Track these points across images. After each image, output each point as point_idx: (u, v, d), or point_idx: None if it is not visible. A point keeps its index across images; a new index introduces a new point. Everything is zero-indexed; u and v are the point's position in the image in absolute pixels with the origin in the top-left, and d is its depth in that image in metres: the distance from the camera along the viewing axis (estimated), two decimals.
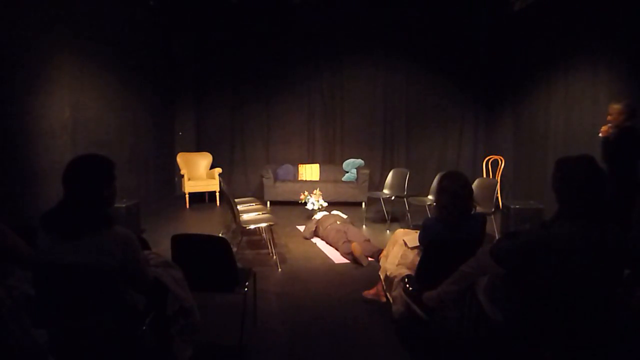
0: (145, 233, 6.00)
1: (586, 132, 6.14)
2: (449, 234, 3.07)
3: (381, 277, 3.69)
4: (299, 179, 9.05)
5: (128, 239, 2.15)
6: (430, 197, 6.64)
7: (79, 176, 2.11)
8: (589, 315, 2.00)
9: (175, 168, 9.01)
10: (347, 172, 9.09)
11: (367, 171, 8.70)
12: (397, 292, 3.27)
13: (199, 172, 8.94)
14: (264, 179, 8.66)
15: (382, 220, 7.30)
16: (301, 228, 6.70)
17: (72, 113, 5.59)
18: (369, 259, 5.20)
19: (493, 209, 5.84)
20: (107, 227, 2.10)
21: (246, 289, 3.08)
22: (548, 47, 7.12)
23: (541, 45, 7.33)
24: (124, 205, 5.71)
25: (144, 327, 2.26)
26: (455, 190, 3.09)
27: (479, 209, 5.19)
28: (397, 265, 3.50)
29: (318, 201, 7.04)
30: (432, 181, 6.54)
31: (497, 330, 2.42)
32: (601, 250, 1.97)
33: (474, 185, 5.89)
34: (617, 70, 5.66)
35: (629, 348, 1.98)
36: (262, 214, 5.66)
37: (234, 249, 4.18)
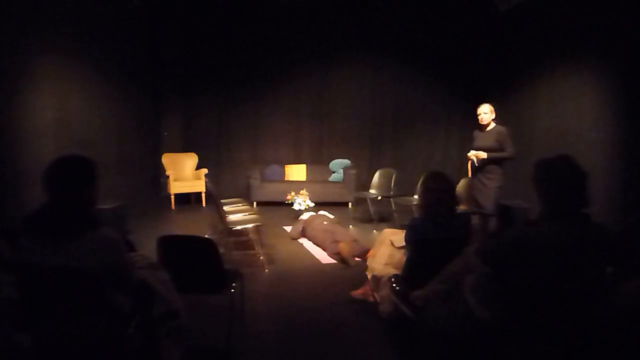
0: (130, 235, 5.93)
1: (571, 132, 6.22)
2: (436, 234, 3.08)
3: (369, 276, 3.71)
4: (286, 179, 9.04)
5: (113, 240, 2.12)
6: (416, 196, 6.66)
7: (61, 177, 2.08)
8: (573, 312, 2.03)
9: (160, 169, 8.93)
10: (334, 172, 9.10)
11: (354, 171, 8.72)
12: (385, 291, 3.28)
13: (184, 173, 8.88)
14: (250, 180, 8.63)
15: (369, 220, 7.32)
16: (288, 228, 6.69)
17: (56, 113, 5.51)
18: (357, 259, 5.21)
19: None
20: (91, 229, 2.07)
21: (233, 290, 3.07)
22: (533, 47, 7.20)
23: (526, 46, 7.41)
24: (109, 207, 5.64)
25: (130, 330, 2.23)
26: (440, 189, 3.11)
27: (465, 208, 5.26)
28: (384, 265, 3.52)
29: (305, 201, 7.03)
30: (419, 181, 6.57)
31: (484, 329, 2.44)
32: (583, 249, 2.00)
33: (460, 186, 5.94)
34: (601, 71, 5.75)
35: (613, 344, 2.00)
36: (249, 214, 5.63)
37: (221, 250, 4.15)
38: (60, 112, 5.60)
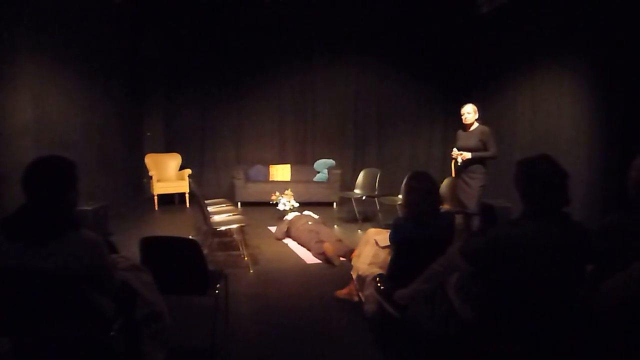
0: (113, 236, 5.87)
1: (551, 132, 6.31)
2: (420, 233, 3.11)
3: (353, 276, 3.71)
4: (271, 179, 9.02)
5: (94, 242, 2.09)
6: (400, 196, 6.69)
7: (41, 179, 2.04)
8: (554, 310, 2.06)
9: (143, 169, 8.84)
10: (319, 172, 9.10)
11: (338, 171, 8.74)
12: (369, 291, 3.29)
13: (168, 173, 8.80)
14: (235, 180, 8.59)
15: (354, 220, 7.33)
16: (273, 229, 6.68)
17: (35, 113, 5.42)
18: (341, 258, 5.22)
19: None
20: (73, 231, 2.04)
21: (217, 291, 3.05)
22: (515, 48, 7.29)
23: (508, 47, 7.50)
24: (90, 208, 5.57)
25: (113, 333, 2.21)
26: (424, 189, 3.13)
27: (448, 207, 5.30)
28: (369, 265, 3.53)
29: (290, 202, 7.03)
30: (403, 181, 6.61)
31: (466, 327, 2.46)
32: (565, 247, 2.02)
33: (443, 185, 5.99)
34: (580, 72, 5.84)
35: (594, 341, 2.03)
36: (233, 215, 5.61)
37: (205, 251, 4.13)
38: (40, 112, 5.51)
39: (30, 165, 2.07)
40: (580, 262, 2.10)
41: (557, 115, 6.23)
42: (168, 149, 9.34)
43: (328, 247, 5.23)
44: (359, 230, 6.77)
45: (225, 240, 5.99)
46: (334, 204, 8.50)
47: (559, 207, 2.08)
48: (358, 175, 7.85)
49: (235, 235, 5.81)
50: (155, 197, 8.34)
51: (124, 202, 8.00)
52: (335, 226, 7.07)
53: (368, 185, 7.39)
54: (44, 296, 2.04)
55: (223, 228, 5.11)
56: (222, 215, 5.54)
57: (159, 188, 8.36)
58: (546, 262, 2.01)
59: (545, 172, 2.09)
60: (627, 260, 1.88)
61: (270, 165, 9.20)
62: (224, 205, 6.28)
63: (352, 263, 3.94)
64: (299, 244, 5.95)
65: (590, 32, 5.54)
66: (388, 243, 3.43)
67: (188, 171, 8.62)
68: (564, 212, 2.08)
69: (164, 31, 9.15)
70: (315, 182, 8.95)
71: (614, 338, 1.95)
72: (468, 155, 5.04)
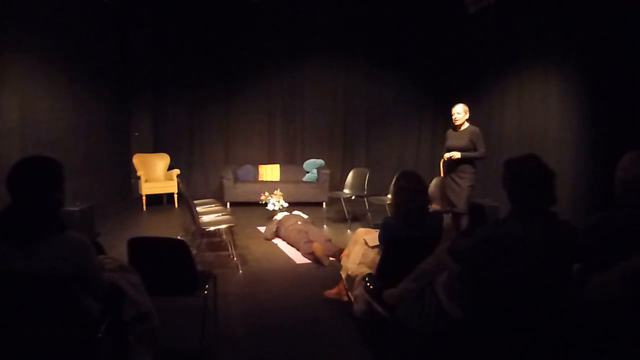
0: (100, 237, 5.80)
1: (538, 131, 6.37)
2: (408, 232, 3.12)
3: (342, 276, 3.72)
4: (260, 179, 9.01)
5: (81, 243, 2.07)
6: (389, 196, 6.71)
7: (26, 179, 2.02)
8: (542, 309, 2.07)
9: (131, 169, 8.77)
10: (308, 172, 9.10)
11: (327, 171, 8.74)
12: (359, 290, 3.30)
13: (156, 174, 8.73)
14: (223, 180, 8.56)
15: (343, 220, 7.34)
16: (262, 229, 6.66)
17: (21, 113, 5.36)
18: (330, 258, 5.22)
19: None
20: (59, 232, 2.02)
21: (206, 292, 3.04)
22: (502, 48, 7.34)
23: (495, 48, 7.55)
24: (77, 209, 5.51)
25: (100, 334, 2.19)
26: (413, 189, 3.14)
27: (436, 207, 5.32)
28: (358, 265, 3.53)
29: (279, 202, 7.02)
30: (392, 180, 6.63)
31: (455, 326, 2.47)
32: (552, 246, 2.04)
33: (432, 184, 6.02)
34: (566, 71, 5.89)
35: (580, 339, 2.05)
36: (222, 215, 5.59)
37: (194, 252, 4.11)
38: (26, 112, 5.44)
39: (15, 165, 2.04)
40: (568, 260, 2.12)
41: (544, 115, 6.29)
42: (156, 149, 9.27)
43: (317, 247, 5.23)
44: (348, 230, 6.78)
45: (214, 240, 5.96)
46: (323, 203, 8.50)
47: (546, 206, 2.09)
48: (347, 175, 7.87)
49: (224, 236, 5.79)
50: (143, 198, 8.27)
51: (111, 203, 7.93)
52: (325, 226, 7.07)
53: (357, 185, 7.40)
54: (30, 298, 2.02)
55: (212, 228, 5.09)
56: (211, 215, 5.52)
57: (147, 188, 8.29)
58: (533, 261, 2.03)
59: (532, 171, 2.10)
60: (614, 258, 1.90)
61: (259, 165, 9.18)
62: (213, 205, 6.26)
63: (341, 263, 3.94)
64: (288, 244, 5.94)
65: (577, 33, 5.60)
66: (377, 243, 3.44)
67: (176, 171, 8.56)
68: (551, 211, 2.10)
69: (152, 31, 9.08)
70: (305, 182, 8.95)
71: (601, 336, 1.97)
72: (457, 155, 5.06)
